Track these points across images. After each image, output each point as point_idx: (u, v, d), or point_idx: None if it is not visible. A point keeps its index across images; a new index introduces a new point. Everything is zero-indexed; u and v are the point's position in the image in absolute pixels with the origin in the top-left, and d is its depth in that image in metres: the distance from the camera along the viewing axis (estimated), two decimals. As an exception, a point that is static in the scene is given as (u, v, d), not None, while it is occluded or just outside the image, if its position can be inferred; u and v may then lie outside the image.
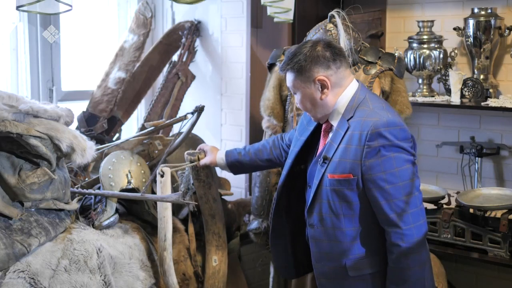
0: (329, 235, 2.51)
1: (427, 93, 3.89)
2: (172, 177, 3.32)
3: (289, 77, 2.55)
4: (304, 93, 2.52)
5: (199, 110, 3.19)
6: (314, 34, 3.38)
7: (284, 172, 2.72)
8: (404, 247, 2.39)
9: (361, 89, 2.55)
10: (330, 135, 2.55)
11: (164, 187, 2.89)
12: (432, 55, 3.78)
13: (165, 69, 4.24)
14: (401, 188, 2.39)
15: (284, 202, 2.82)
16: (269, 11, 3.76)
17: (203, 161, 3.03)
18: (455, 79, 3.70)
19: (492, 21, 3.65)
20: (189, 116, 3.21)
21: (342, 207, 2.47)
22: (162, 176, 2.90)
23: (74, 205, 2.76)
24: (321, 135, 2.62)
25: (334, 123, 2.54)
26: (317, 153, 2.60)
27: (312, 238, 2.58)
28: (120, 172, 3.03)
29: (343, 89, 2.52)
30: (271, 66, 3.55)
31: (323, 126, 2.61)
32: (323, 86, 2.48)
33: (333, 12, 3.32)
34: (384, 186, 2.39)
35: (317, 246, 2.56)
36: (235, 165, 3.03)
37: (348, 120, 2.47)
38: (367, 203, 2.46)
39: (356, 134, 2.43)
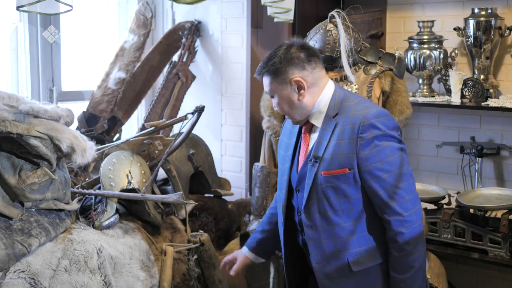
0: (329, 233, 2.51)
1: (427, 93, 3.89)
2: (170, 170, 3.32)
3: (266, 81, 2.56)
4: (281, 95, 2.52)
5: (199, 111, 3.19)
6: (314, 34, 3.38)
7: (285, 177, 2.68)
8: (407, 234, 2.41)
9: (339, 87, 2.59)
10: (313, 135, 2.56)
11: (164, 266, 2.88)
12: (432, 55, 3.78)
13: (165, 69, 4.25)
14: (397, 176, 2.42)
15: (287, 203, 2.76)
16: (269, 11, 3.76)
17: (235, 268, 2.89)
18: (455, 79, 3.70)
19: (492, 21, 3.65)
20: (189, 116, 3.22)
21: (340, 203, 2.47)
22: (164, 254, 2.90)
23: (75, 205, 2.76)
24: (302, 137, 2.62)
25: (316, 122, 2.54)
26: (304, 154, 2.59)
27: (310, 240, 2.56)
28: (121, 172, 3.03)
29: (321, 90, 2.54)
30: (271, 66, 3.55)
31: (303, 127, 2.61)
32: (300, 87, 2.49)
33: (333, 12, 3.32)
34: (381, 175, 2.41)
35: (317, 247, 2.55)
36: (262, 246, 2.90)
37: (334, 117, 2.49)
38: (365, 196, 2.47)
39: (347, 128, 2.44)
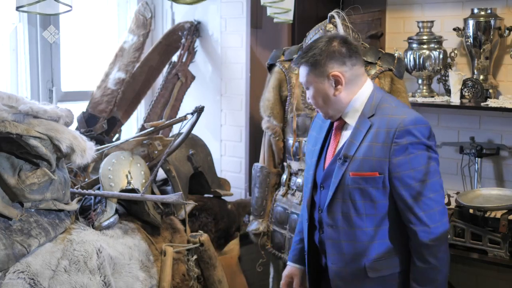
0: (349, 235, 2.46)
1: (427, 94, 3.89)
2: (170, 171, 3.32)
3: (303, 71, 2.50)
4: (317, 88, 2.47)
5: (198, 111, 3.19)
6: (314, 34, 3.38)
7: (311, 172, 2.63)
8: (432, 246, 2.38)
9: (377, 88, 2.53)
10: (345, 133, 2.51)
11: (164, 266, 2.87)
12: (432, 55, 3.78)
13: (165, 69, 4.24)
14: (428, 186, 2.37)
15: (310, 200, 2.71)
16: (269, 11, 3.77)
17: (297, 283, 2.78)
18: (454, 80, 3.70)
19: (492, 22, 3.65)
20: (189, 116, 3.21)
21: (365, 206, 2.42)
22: (164, 255, 2.90)
23: (74, 205, 2.76)
24: (333, 133, 2.57)
25: (350, 121, 2.49)
26: (333, 152, 2.54)
27: (329, 239, 2.51)
28: (120, 173, 3.02)
29: (359, 88, 2.48)
30: (271, 67, 3.55)
31: (335, 124, 2.56)
32: (337, 82, 2.44)
33: (333, 13, 3.32)
34: (412, 183, 2.37)
35: (335, 247, 2.50)
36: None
37: (369, 118, 2.43)
38: (391, 202, 2.43)
39: (382, 131, 2.39)
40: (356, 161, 2.42)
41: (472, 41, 3.71)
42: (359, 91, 2.48)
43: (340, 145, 2.51)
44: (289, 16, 3.78)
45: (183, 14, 4.37)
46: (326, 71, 2.43)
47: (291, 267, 2.81)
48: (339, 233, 2.48)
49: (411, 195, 2.38)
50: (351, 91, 2.47)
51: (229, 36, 4.21)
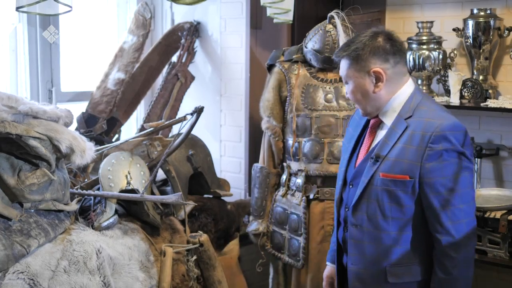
0: (372, 236, 2.41)
1: (426, 94, 3.89)
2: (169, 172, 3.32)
3: (343, 65, 2.43)
4: (357, 83, 2.40)
5: (198, 111, 3.19)
6: (313, 35, 3.38)
7: (342, 168, 2.58)
8: (456, 258, 2.31)
9: (418, 89, 2.47)
10: (380, 132, 2.45)
11: (164, 267, 2.86)
12: (432, 56, 3.78)
13: (165, 70, 4.24)
14: (458, 196, 2.30)
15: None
16: (269, 12, 3.77)
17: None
18: (454, 80, 3.70)
19: (491, 22, 3.65)
20: (189, 117, 3.21)
21: (392, 209, 2.36)
22: (164, 255, 2.90)
23: (74, 206, 2.76)
24: (368, 131, 2.51)
25: (386, 120, 2.43)
26: (366, 150, 2.48)
27: (352, 239, 2.46)
28: (120, 173, 3.02)
29: (400, 87, 2.41)
30: (270, 67, 3.56)
31: (371, 122, 2.49)
32: (378, 79, 2.37)
33: (333, 13, 3.33)
34: (442, 191, 2.29)
35: (357, 247, 2.45)
36: None
37: (406, 119, 2.37)
38: (419, 208, 2.35)
39: (417, 134, 2.32)
40: (388, 162, 2.36)
41: (471, 42, 3.71)
42: (399, 90, 2.42)
43: (373, 144, 2.46)
44: (289, 17, 3.78)
45: (183, 14, 4.37)
46: (368, 67, 2.37)
47: (330, 267, 2.77)
48: (363, 233, 2.43)
49: (439, 203, 2.30)
50: (391, 89, 2.41)
51: (228, 37, 4.21)
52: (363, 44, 2.37)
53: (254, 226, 3.57)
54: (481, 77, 3.74)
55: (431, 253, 2.39)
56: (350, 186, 2.50)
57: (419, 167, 2.31)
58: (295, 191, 3.42)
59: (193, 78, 4.25)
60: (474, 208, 2.36)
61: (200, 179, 3.64)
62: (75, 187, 3.05)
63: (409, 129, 2.35)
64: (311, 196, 3.36)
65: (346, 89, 2.49)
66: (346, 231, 2.51)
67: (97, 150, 2.99)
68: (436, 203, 2.31)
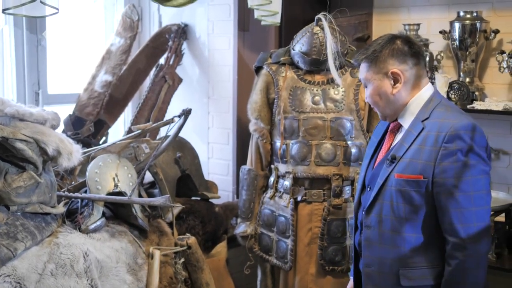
0: (385, 238, 2.38)
1: (413, 96, 3.90)
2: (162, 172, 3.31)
3: (363, 68, 2.45)
4: (376, 85, 2.41)
5: (186, 113, 3.19)
6: (301, 37, 3.39)
7: (362, 173, 2.58)
8: (463, 262, 2.26)
9: (437, 92, 2.46)
10: (399, 135, 2.45)
11: (151, 270, 2.86)
12: (418, 58, 3.79)
13: (152, 72, 4.24)
14: (472, 199, 2.25)
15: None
16: (256, 14, 3.77)
17: None
18: (441, 82, 3.72)
19: (478, 25, 3.67)
20: (176, 119, 3.21)
21: (406, 210, 2.33)
22: (151, 258, 2.89)
23: (61, 208, 2.74)
24: (387, 135, 2.51)
25: (404, 123, 2.42)
26: (384, 153, 2.48)
27: (366, 241, 2.45)
28: (107, 176, 3.01)
29: (418, 89, 2.41)
30: (258, 69, 3.56)
31: (391, 125, 2.50)
32: (396, 80, 2.38)
33: (320, 15, 3.33)
34: (455, 192, 2.25)
35: (371, 249, 2.44)
36: None
37: (422, 121, 2.36)
38: (432, 209, 2.32)
39: (432, 135, 2.30)
40: (403, 162, 2.35)
41: (458, 44, 3.73)
42: (418, 93, 2.42)
43: (391, 147, 2.46)
44: (277, 19, 3.79)
45: (170, 16, 4.37)
46: (386, 68, 2.38)
47: (351, 279, 2.73)
48: (377, 235, 2.41)
49: (451, 204, 2.26)
50: (409, 91, 2.41)
51: (216, 39, 4.21)
52: (381, 47, 2.40)
53: (242, 228, 3.57)
54: (467, 79, 3.76)
55: (444, 258, 2.35)
56: (368, 189, 2.50)
57: (433, 167, 2.28)
58: (283, 193, 3.42)
59: (180, 80, 4.25)
60: (488, 213, 2.30)
61: (188, 181, 3.64)
62: (62, 190, 3.03)
63: (424, 130, 2.34)
64: (299, 198, 3.36)
65: (366, 94, 2.50)
66: (362, 234, 2.50)
67: (84, 153, 2.98)
68: (448, 204, 2.27)
